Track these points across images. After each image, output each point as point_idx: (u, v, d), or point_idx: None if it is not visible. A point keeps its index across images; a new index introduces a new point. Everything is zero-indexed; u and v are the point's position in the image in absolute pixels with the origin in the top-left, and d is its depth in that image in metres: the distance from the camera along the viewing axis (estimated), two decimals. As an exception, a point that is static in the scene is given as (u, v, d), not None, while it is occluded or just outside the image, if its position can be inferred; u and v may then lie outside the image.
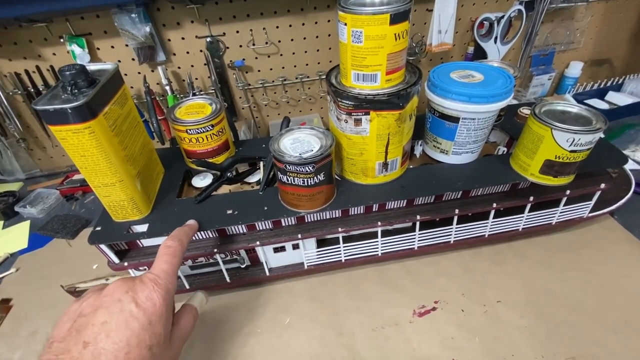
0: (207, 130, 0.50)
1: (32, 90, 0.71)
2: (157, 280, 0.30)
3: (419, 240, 0.53)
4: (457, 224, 0.51)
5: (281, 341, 0.46)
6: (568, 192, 0.50)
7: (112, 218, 0.45)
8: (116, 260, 0.46)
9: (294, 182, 0.42)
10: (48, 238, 0.67)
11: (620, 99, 0.89)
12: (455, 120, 0.46)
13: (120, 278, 0.31)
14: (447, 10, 0.68)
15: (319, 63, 0.81)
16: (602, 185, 0.51)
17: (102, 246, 0.44)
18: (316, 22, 0.75)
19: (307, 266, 0.52)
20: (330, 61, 0.82)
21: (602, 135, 0.41)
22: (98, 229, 0.45)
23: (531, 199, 0.50)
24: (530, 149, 0.45)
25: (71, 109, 0.34)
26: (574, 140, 0.41)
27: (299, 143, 0.43)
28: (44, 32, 0.68)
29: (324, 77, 0.81)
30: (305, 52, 0.79)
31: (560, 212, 0.54)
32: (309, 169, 0.40)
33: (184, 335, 0.32)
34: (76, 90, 0.36)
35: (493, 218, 0.52)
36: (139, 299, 0.28)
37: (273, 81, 0.81)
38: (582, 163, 0.45)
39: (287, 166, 0.40)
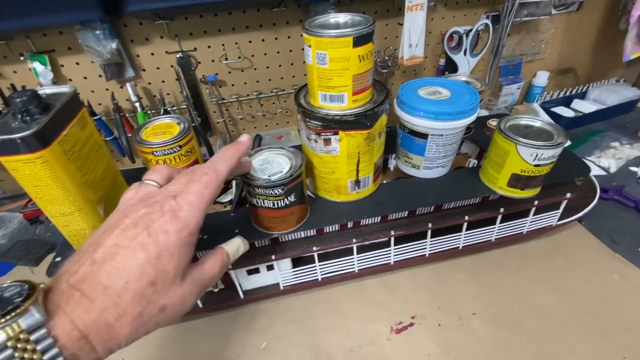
0: (175, 152, 0.48)
1: (-9, 109, 0.68)
2: (178, 213, 0.26)
3: (394, 255, 0.53)
4: (431, 237, 0.52)
5: (257, 367, 0.45)
6: (536, 202, 0.51)
7: (74, 247, 0.43)
8: (79, 291, 0.44)
9: (263, 204, 0.41)
10: (10, 265, 0.63)
11: (585, 106, 0.93)
12: (424, 136, 0.46)
13: (143, 187, 0.29)
14: (417, 25, 0.70)
15: (293, 76, 0.81)
16: (568, 195, 0.53)
17: (63, 278, 0.42)
18: (289, 37, 0.75)
19: (283, 287, 0.51)
20: (305, 75, 0.81)
21: (568, 144, 0.42)
22: (58, 259, 0.43)
23: (501, 210, 0.51)
24: (498, 163, 0.46)
25: (20, 139, 0.32)
26: (537, 154, 0.42)
27: (268, 164, 0.42)
28: (3, 50, 0.64)
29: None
30: (280, 65, 0.79)
31: (530, 222, 0.55)
32: (278, 191, 0.40)
33: (205, 280, 0.29)
34: (28, 118, 0.34)
35: (466, 230, 0.53)
36: (152, 228, 0.25)
37: (248, 95, 0.81)
38: (547, 175, 0.46)
39: (256, 189, 0.40)
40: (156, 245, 0.25)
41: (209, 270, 0.30)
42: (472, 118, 0.45)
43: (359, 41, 0.35)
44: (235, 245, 0.34)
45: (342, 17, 0.39)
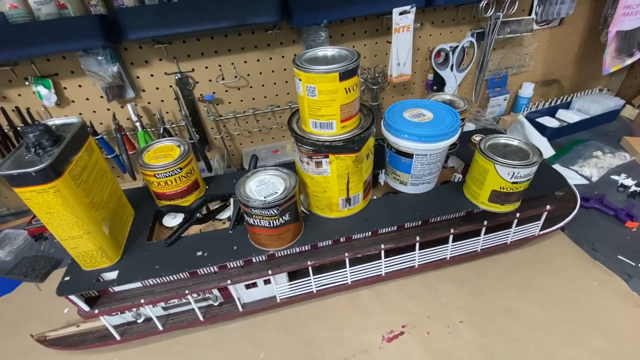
0: (176, 174, 0.51)
1: (-3, 131, 0.70)
2: None
3: (385, 267, 0.55)
4: (419, 249, 0.55)
5: (256, 377, 0.48)
6: (517, 215, 0.55)
7: (82, 267, 0.46)
8: (86, 308, 0.46)
9: (260, 223, 0.44)
10: (17, 282, 0.66)
11: (569, 116, 0.96)
12: (410, 156, 0.49)
13: None
14: (404, 45, 0.73)
15: (288, 93, 0.84)
16: (548, 207, 0.56)
17: (72, 296, 0.44)
18: (283, 56, 0.79)
19: (280, 299, 0.54)
20: (299, 91, 0.85)
21: (548, 156, 0.45)
22: (67, 279, 0.45)
23: (485, 223, 0.54)
24: (479, 180, 0.49)
25: (35, 172, 0.35)
26: (514, 173, 0.45)
27: (264, 185, 0.45)
28: (8, 75, 0.67)
29: (296, 108, 0.84)
30: (275, 83, 0.82)
31: (514, 233, 0.58)
32: (273, 211, 0.43)
33: None
34: (40, 150, 0.37)
35: (453, 241, 0.56)
36: None
37: (244, 112, 0.84)
38: (526, 190, 0.49)
39: (253, 210, 0.43)
40: None
41: None
42: (454, 139, 0.48)
43: (345, 75, 0.38)
44: None
45: (329, 51, 0.42)
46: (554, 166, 0.73)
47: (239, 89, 0.80)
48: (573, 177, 0.78)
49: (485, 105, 0.99)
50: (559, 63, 1.03)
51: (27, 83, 0.68)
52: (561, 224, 0.62)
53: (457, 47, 0.81)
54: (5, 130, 0.71)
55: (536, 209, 0.56)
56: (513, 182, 0.46)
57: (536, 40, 0.94)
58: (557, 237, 0.65)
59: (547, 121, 0.95)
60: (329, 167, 0.45)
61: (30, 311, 0.60)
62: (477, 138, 0.64)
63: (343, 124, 0.42)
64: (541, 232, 0.61)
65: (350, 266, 0.53)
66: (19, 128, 0.71)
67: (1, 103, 0.70)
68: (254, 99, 0.83)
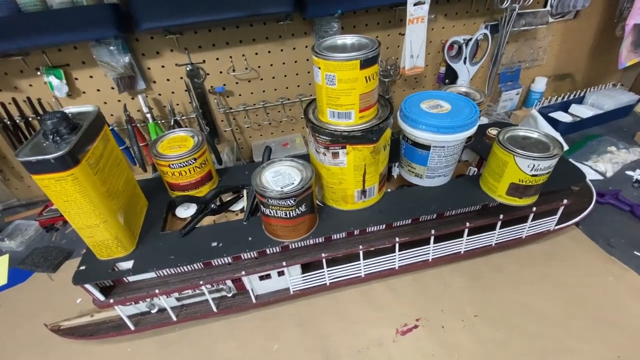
0: (190, 164, 0.51)
1: (9, 122, 0.70)
2: None
3: (399, 260, 0.55)
4: (434, 243, 0.54)
5: (270, 368, 0.47)
6: (534, 209, 0.54)
7: (97, 256, 0.46)
8: (101, 297, 0.46)
9: (276, 214, 0.44)
10: (29, 272, 0.66)
11: (582, 111, 0.95)
12: (427, 148, 0.49)
13: None
14: (418, 36, 0.72)
15: (298, 86, 0.84)
16: (565, 201, 0.55)
17: (87, 285, 0.44)
18: (294, 48, 0.78)
19: (293, 291, 0.54)
20: (310, 84, 0.84)
21: (565, 149, 0.44)
22: (82, 268, 0.45)
23: (501, 217, 0.54)
24: (497, 173, 0.49)
25: (54, 159, 0.34)
26: (534, 165, 0.45)
27: (280, 176, 0.45)
28: (19, 65, 0.67)
29: (306, 101, 0.84)
30: (285, 76, 0.81)
31: (529, 227, 0.57)
32: (290, 202, 0.42)
33: None
34: (58, 138, 0.37)
35: (467, 235, 0.55)
36: None
37: (254, 104, 0.83)
38: (544, 184, 0.48)
39: (269, 200, 0.42)
40: None
41: None
42: (472, 131, 0.47)
43: (365, 63, 0.37)
44: None
45: (349, 39, 0.41)
46: (568, 161, 0.72)
47: (249, 81, 0.80)
48: (587, 172, 0.77)
49: (497, 99, 0.98)
50: (573, 57, 1.01)
51: (38, 73, 0.68)
52: (577, 219, 0.61)
53: (470, 39, 0.80)
54: (17, 121, 0.71)
55: (553, 203, 0.55)
56: (533, 175, 0.46)
57: (550, 33, 0.93)
58: (572, 232, 0.64)
59: (560, 116, 0.93)
60: (346, 158, 0.45)
61: (43, 301, 0.60)
62: (492, 131, 0.63)
63: (362, 113, 0.41)
64: (556, 227, 0.60)
65: (363, 259, 0.53)
66: (30, 118, 0.71)
67: (13, 93, 0.70)
68: (264, 91, 0.82)
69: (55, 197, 0.37)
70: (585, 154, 0.82)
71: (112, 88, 0.73)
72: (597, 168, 0.78)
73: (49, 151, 0.35)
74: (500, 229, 0.56)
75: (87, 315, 0.52)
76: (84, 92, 0.73)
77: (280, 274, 0.52)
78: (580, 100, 0.99)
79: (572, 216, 0.61)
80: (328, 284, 0.54)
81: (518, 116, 0.97)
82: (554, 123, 0.89)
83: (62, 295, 0.60)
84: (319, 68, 0.39)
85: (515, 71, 0.96)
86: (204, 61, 0.75)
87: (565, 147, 0.84)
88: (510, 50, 0.92)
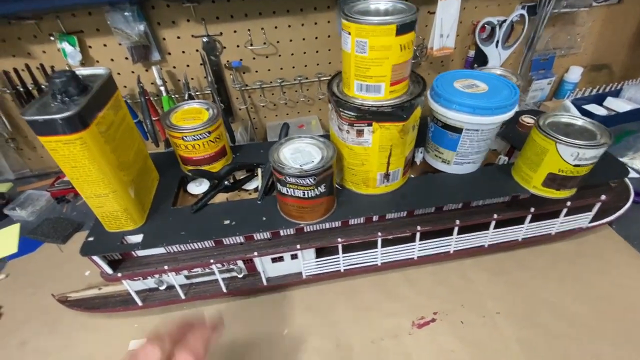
0: (204, 137, 0.48)
1: (22, 89, 0.69)
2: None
3: (419, 250, 0.52)
4: (457, 234, 0.51)
5: (279, 354, 0.46)
6: (569, 203, 0.50)
7: (106, 228, 0.44)
8: (109, 271, 0.45)
9: (294, 194, 0.41)
10: (39, 242, 0.65)
11: (618, 104, 0.88)
12: (459, 131, 0.45)
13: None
14: (450, 14, 0.67)
15: (318, 64, 0.80)
16: (603, 197, 0.51)
17: (95, 257, 0.43)
18: (316, 23, 0.74)
19: (306, 276, 0.51)
20: (330, 63, 0.80)
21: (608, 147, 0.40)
22: (91, 239, 0.43)
23: (532, 210, 0.50)
24: (534, 162, 0.45)
25: (62, 120, 0.32)
26: (578, 154, 0.41)
27: (299, 153, 0.42)
28: (33, 29, 0.65)
29: (325, 81, 0.80)
30: (304, 53, 0.78)
31: (560, 223, 0.53)
32: (309, 181, 0.39)
33: None
34: (67, 99, 0.34)
35: (493, 228, 0.51)
36: None
37: (271, 82, 0.80)
38: (585, 177, 0.44)
39: (287, 178, 0.39)
40: None
41: None
42: (511, 113, 0.43)
43: (402, 29, 0.34)
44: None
45: (382, 4, 0.37)
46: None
47: (267, 57, 0.76)
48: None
49: (527, 88, 0.92)
50: (612, 46, 0.94)
51: (52, 39, 0.66)
52: (611, 218, 0.57)
53: (505, 21, 0.74)
54: (30, 88, 0.69)
55: (590, 199, 0.51)
56: (575, 165, 0.42)
57: (591, 18, 0.86)
58: (605, 232, 0.60)
59: (594, 109, 0.87)
60: (371, 137, 0.41)
61: (52, 272, 0.59)
62: (526, 119, 0.59)
63: (392, 87, 0.38)
64: (589, 225, 0.56)
65: (381, 247, 0.50)
66: (43, 86, 0.70)
67: (26, 59, 0.68)
68: (281, 68, 0.79)
69: (63, 162, 0.35)
70: (620, 151, 0.77)
71: (126, 58, 0.71)
72: (633, 166, 0.73)
73: (57, 112, 0.32)
74: (529, 223, 0.52)
75: (95, 288, 0.51)
76: (97, 61, 0.70)
77: (294, 257, 0.49)
78: (616, 94, 0.93)
79: (606, 214, 0.57)
80: (343, 270, 0.52)
81: (548, 107, 0.91)
82: (587, 116, 0.83)
83: (70, 267, 0.59)
84: (349, 33, 0.35)
85: (549, 59, 0.90)
86: (221, 33, 0.71)
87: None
88: (545, 36, 0.85)
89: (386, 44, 0.34)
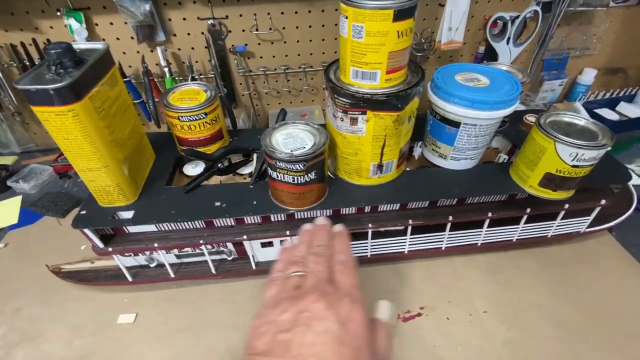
0: (200, 119, 0.48)
1: (28, 63, 0.70)
2: (354, 296, 0.26)
3: (410, 244, 0.52)
4: (450, 230, 0.50)
5: (262, 337, 0.46)
6: (567, 206, 0.49)
7: (98, 203, 0.44)
8: (100, 245, 0.45)
9: (283, 179, 0.41)
10: (39, 215, 0.67)
11: (632, 110, 0.86)
12: (456, 125, 0.44)
13: (314, 288, 0.26)
14: (460, 7, 0.65)
15: (323, 53, 0.79)
16: (603, 202, 0.50)
17: (87, 230, 0.44)
18: (323, 10, 0.73)
19: (295, 263, 0.51)
20: (336, 52, 0.79)
21: (609, 149, 0.39)
22: (83, 212, 0.44)
23: (528, 210, 0.49)
24: (532, 160, 0.44)
25: (54, 90, 0.32)
26: (577, 155, 0.39)
27: (291, 139, 0.41)
28: (41, 4, 0.65)
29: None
30: (310, 40, 0.77)
31: (557, 226, 0.52)
32: (299, 166, 0.39)
33: None
34: (62, 70, 0.35)
35: (487, 227, 0.51)
36: (342, 318, 0.24)
37: (275, 69, 0.79)
38: (584, 178, 0.43)
39: (277, 162, 0.39)
40: (353, 337, 0.23)
41: (383, 351, 0.27)
42: (511, 109, 0.42)
43: (400, 15, 0.33)
44: (388, 312, 0.30)
45: (383, -11, 0.36)
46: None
47: (272, 42, 0.76)
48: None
49: (538, 89, 0.90)
50: (630, 49, 0.91)
51: (58, 14, 0.66)
52: (611, 224, 0.55)
53: (517, 17, 0.72)
54: (37, 62, 0.70)
55: (589, 202, 0.50)
56: (573, 166, 0.41)
57: (609, 19, 0.83)
58: (604, 238, 0.58)
59: (606, 113, 0.85)
60: (365, 126, 0.41)
61: (49, 244, 0.61)
62: (530, 118, 0.57)
63: (388, 75, 0.37)
64: (587, 229, 0.55)
65: (372, 239, 0.50)
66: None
67: (33, 34, 0.68)
68: (286, 55, 0.78)
69: (56, 133, 0.35)
70: (629, 157, 0.75)
71: (132, 38, 0.71)
72: (640, 173, 0.71)
73: (51, 82, 0.33)
74: (524, 224, 0.51)
75: (88, 262, 0.52)
76: (103, 39, 0.71)
77: (284, 243, 0.49)
78: (630, 99, 0.90)
79: (607, 220, 0.55)
80: (332, 260, 0.52)
81: (558, 109, 0.89)
82: (598, 120, 0.81)
83: (67, 241, 0.60)
84: (346, 17, 0.34)
85: (562, 59, 0.87)
86: (226, 17, 0.71)
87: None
88: (559, 35, 0.83)
89: (383, 30, 0.33)
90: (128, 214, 0.44)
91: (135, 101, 0.75)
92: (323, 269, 0.28)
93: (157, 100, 0.73)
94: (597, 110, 0.84)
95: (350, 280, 0.28)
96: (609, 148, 0.39)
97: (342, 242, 0.33)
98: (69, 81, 0.33)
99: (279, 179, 0.41)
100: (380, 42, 0.34)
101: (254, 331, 0.25)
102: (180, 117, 0.47)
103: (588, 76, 0.89)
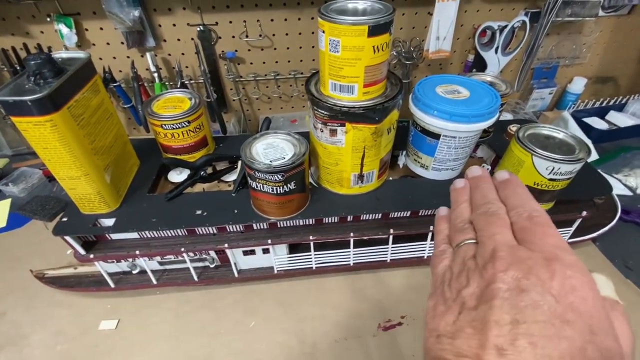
0: (183, 127, 0.48)
1: (19, 68, 0.70)
2: (564, 259, 0.18)
3: (392, 253, 0.52)
4: (431, 240, 0.51)
5: (243, 345, 0.46)
6: (547, 217, 0.49)
7: (80, 210, 0.45)
8: (82, 251, 0.46)
9: (263, 189, 0.41)
10: (27, 219, 0.67)
11: (621, 119, 0.86)
12: (436, 136, 0.44)
13: (498, 254, 0.19)
14: (447, 16, 0.66)
15: (313, 60, 0.79)
16: (584, 213, 0.50)
17: (68, 238, 0.44)
18: (312, 18, 0.73)
19: (277, 270, 0.52)
20: (326, 59, 0.80)
21: (595, 158, 0.39)
22: (64, 219, 0.44)
23: (509, 221, 0.49)
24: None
25: (31, 101, 0.32)
26: (553, 168, 0.40)
27: (272, 149, 0.42)
28: (32, 10, 0.66)
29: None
30: (300, 47, 0.77)
31: (539, 236, 0.52)
32: (278, 177, 0.39)
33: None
34: (41, 81, 0.35)
35: (469, 237, 0.51)
36: (554, 289, 0.17)
37: (265, 75, 0.80)
38: (563, 191, 0.44)
39: (256, 173, 0.40)
40: (578, 313, 0.17)
41: (627, 340, 0.19)
42: (489, 122, 0.42)
43: (374, 31, 0.33)
44: (608, 285, 0.22)
45: (361, 4, 0.37)
46: (596, 171, 0.65)
47: (262, 49, 0.76)
48: (616, 185, 0.70)
49: (527, 97, 0.90)
50: (620, 58, 0.91)
51: (48, 20, 0.66)
52: (594, 234, 0.56)
53: (506, 26, 0.73)
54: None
55: (569, 214, 0.50)
56: (550, 179, 0.41)
57: (598, 28, 0.83)
58: (587, 248, 0.59)
59: (595, 122, 0.85)
60: (344, 137, 0.41)
61: (35, 248, 0.61)
62: (514, 128, 0.58)
63: (366, 89, 0.37)
64: (570, 240, 0.55)
65: (354, 247, 0.50)
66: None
67: (24, 38, 0.69)
68: (277, 62, 0.78)
69: (35, 142, 0.36)
70: (616, 166, 0.75)
71: (122, 43, 0.72)
72: (627, 182, 0.71)
73: (29, 93, 0.33)
74: (506, 234, 0.51)
75: (71, 267, 0.53)
76: (93, 44, 0.71)
77: (265, 251, 0.50)
78: (620, 108, 0.90)
79: (590, 230, 0.56)
80: (314, 267, 0.52)
81: (548, 118, 0.89)
82: (587, 129, 0.82)
83: (54, 245, 0.60)
84: (323, 32, 0.35)
85: (551, 68, 0.88)
86: (216, 23, 0.71)
87: (595, 156, 0.77)
88: (549, 44, 0.83)
89: (358, 45, 0.34)
90: (109, 222, 0.44)
91: (125, 106, 0.75)
92: (502, 230, 0.21)
93: (146, 105, 0.73)
94: (586, 119, 0.85)
95: (551, 240, 0.20)
96: (586, 162, 0.40)
97: (518, 192, 0.24)
98: (46, 92, 0.33)
99: (259, 188, 0.41)
100: (356, 56, 0.35)
101: (433, 311, 0.21)
102: (163, 125, 0.48)
103: (578, 85, 0.89)
